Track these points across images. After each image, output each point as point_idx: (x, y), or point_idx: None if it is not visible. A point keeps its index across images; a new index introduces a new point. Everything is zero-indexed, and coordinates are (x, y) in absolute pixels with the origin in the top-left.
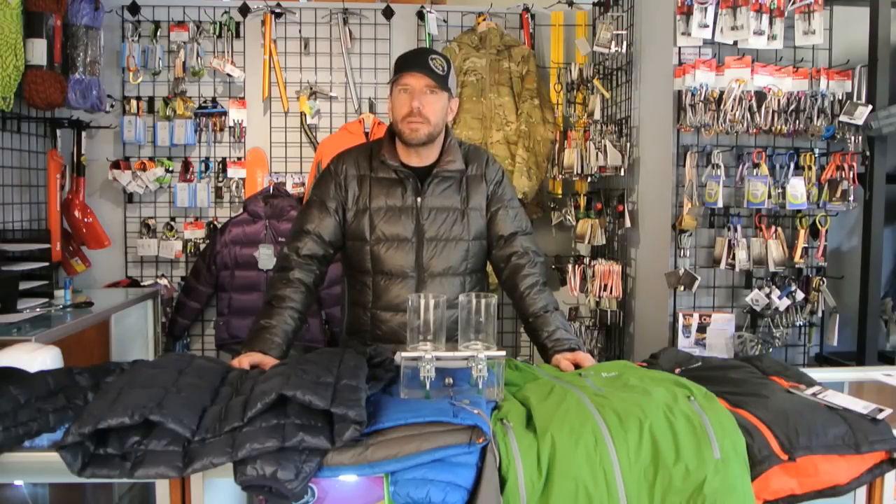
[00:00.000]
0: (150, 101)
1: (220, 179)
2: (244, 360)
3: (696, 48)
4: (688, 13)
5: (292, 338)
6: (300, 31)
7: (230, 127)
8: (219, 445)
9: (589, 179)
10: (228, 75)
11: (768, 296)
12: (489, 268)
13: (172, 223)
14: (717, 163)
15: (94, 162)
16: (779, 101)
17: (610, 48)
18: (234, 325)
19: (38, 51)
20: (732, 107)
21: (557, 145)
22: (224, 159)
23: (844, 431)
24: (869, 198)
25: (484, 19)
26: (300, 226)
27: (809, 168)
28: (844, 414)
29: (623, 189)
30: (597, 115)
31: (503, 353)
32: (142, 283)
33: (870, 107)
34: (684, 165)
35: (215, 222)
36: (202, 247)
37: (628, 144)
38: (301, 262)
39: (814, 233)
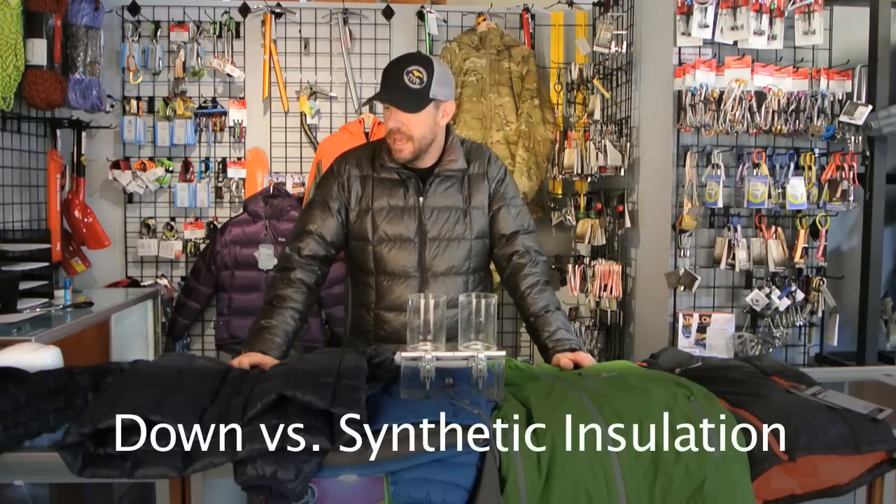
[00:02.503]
0: (150, 101)
1: (220, 179)
2: (244, 360)
3: (696, 48)
4: (688, 13)
5: (293, 338)
6: (300, 31)
7: (230, 127)
8: (219, 445)
9: (589, 179)
10: (228, 75)
11: (768, 296)
12: (493, 266)
13: (172, 223)
14: (717, 163)
15: (94, 162)
16: (779, 101)
17: (610, 48)
18: (234, 325)
19: (38, 51)
20: (732, 107)
21: (557, 145)
22: (224, 159)
23: (844, 431)
24: (869, 198)
25: (484, 19)
26: (302, 226)
27: (809, 168)
28: (844, 414)
29: (623, 189)
30: (597, 115)
31: (503, 353)
32: (142, 283)
33: (870, 107)
34: (684, 165)
35: (215, 222)
36: (202, 247)
37: (628, 144)
38: (302, 262)
39: (814, 233)
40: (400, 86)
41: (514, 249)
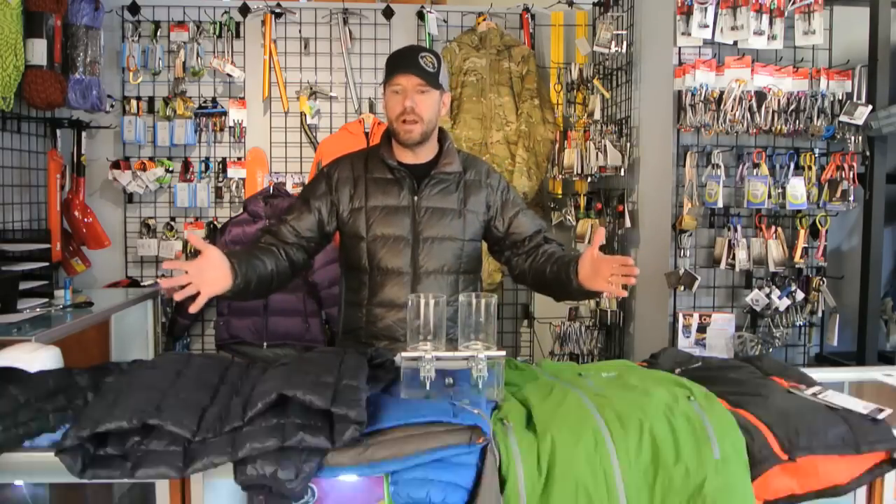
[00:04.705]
0: (150, 101)
1: (220, 179)
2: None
3: (696, 48)
4: (688, 13)
5: (251, 274)
6: (300, 31)
7: (230, 127)
8: (219, 445)
9: (589, 179)
10: (228, 75)
11: (768, 296)
12: (488, 268)
13: (172, 223)
14: (717, 163)
15: (94, 162)
16: (779, 101)
17: (610, 48)
18: (234, 325)
19: (38, 51)
20: (732, 107)
21: (557, 145)
22: (224, 159)
23: (844, 431)
24: (869, 198)
25: (484, 19)
26: (280, 215)
27: (809, 168)
28: (844, 414)
29: (623, 189)
30: (597, 115)
31: (503, 353)
32: (142, 283)
33: (870, 107)
34: (684, 165)
35: (215, 222)
36: None
37: (628, 144)
38: (275, 241)
39: (814, 233)
40: (418, 65)
41: (543, 243)
